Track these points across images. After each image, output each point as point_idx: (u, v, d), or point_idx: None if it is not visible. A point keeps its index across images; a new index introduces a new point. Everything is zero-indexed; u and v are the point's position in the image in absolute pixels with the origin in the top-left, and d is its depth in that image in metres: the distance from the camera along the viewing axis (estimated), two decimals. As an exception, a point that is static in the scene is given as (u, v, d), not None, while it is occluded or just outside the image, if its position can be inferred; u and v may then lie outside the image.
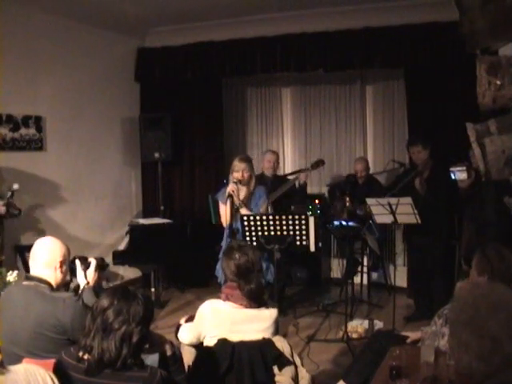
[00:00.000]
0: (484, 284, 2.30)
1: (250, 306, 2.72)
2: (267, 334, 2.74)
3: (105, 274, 3.06)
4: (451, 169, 4.16)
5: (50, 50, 5.41)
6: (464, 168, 4.07)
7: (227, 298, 2.74)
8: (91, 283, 2.78)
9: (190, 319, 2.89)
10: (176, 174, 6.74)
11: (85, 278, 2.77)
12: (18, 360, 2.16)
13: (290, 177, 5.60)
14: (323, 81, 6.59)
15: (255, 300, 2.75)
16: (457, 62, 4.97)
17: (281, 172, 6.27)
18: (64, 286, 2.73)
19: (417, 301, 5.15)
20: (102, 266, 2.90)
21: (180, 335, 2.83)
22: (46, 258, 2.56)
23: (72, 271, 2.75)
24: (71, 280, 2.83)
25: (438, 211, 4.78)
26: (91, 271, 2.80)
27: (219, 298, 2.80)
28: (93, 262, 2.83)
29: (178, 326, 2.92)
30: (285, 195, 5.14)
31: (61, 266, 2.59)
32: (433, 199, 4.77)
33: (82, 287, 2.75)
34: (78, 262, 2.79)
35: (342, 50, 5.66)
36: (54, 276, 2.57)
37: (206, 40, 6.19)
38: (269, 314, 2.77)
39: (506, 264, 2.59)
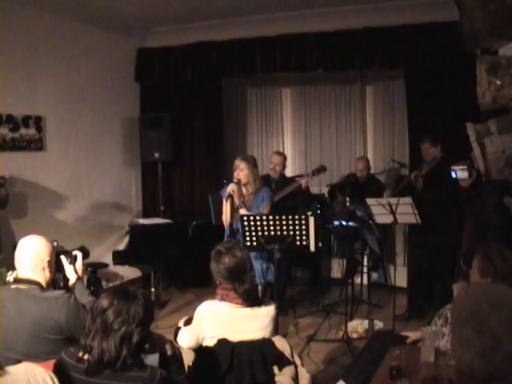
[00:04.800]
0: (485, 283, 2.31)
1: (247, 304, 2.72)
2: (266, 333, 2.73)
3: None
4: (452, 167, 4.15)
5: (49, 49, 5.40)
6: (465, 167, 4.06)
7: (223, 299, 2.73)
8: (82, 276, 2.78)
9: (189, 321, 2.88)
10: (176, 173, 6.74)
11: (75, 272, 2.76)
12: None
13: (297, 178, 5.54)
14: (323, 81, 6.59)
15: (252, 299, 2.74)
16: (457, 62, 4.97)
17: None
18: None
19: (412, 300, 5.14)
20: (86, 254, 2.89)
21: (179, 340, 2.82)
22: (33, 259, 2.51)
23: (57, 267, 2.71)
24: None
25: (441, 209, 4.77)
26: (80, 264, 2.80)
27: (215, 298, 2.79)
28: (79, 254, 2.81)
29: (177, 330, 2.91)
30: (289, 196, 5.14)
31: (49, 266, 2.56)
32: (431, 195, 4.76)
33: (72, 282, 2.74)
34: (63, 258, 2.76)
35: (342, 50, 5.66)
36: (42, 276, 2.53)
37: (205, 40, 6.19)
38: (266, 312, 2.77)
39: (509, 264, 2.58)
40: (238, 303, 2.71)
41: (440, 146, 4.85)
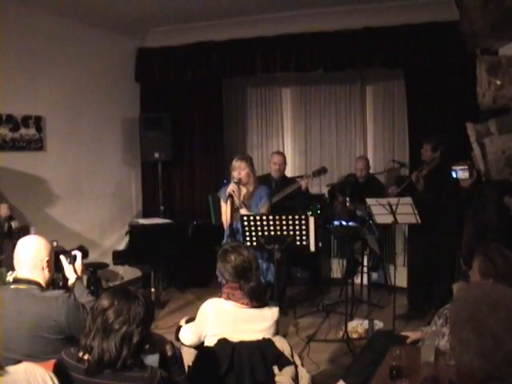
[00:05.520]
0: (485, 283, 2.30)
1: (252, 305, 2.72)
2: (268, 334, 2.74)
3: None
4: (453, 167, 4.15)
5: (49, 49, 5.40)
6: (466, 167, 4.06)
7: (228, 297, 2.74)
8: (81, 276, 2.78)
9: (191, 320, 2.89)
10: (176, 173, 6.74)
11: (74, 272, 2.76)
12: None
13: (297, 179, 5.54)
14: (323, 81, 6.59)
15: (257, 298, 2.74)
16: (457, 62, 4.97)
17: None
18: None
19: (411, 300, 5.16)
20: (85, 254, 2.89)
21: (181, 336, 2.83)
22: (32, 259, 2.52)
23: (56, 267, 2.71)
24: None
25: (441, 209, 4.78)
26: (79, 264, 2.80)
27: (219, 297, 2.80)
28: (78, 254, 2.81)
29: (178, 328, 2.92)
30: (288, 197, 5.13)
31: (48, 266, 2.56)
32: (431, 196, 4.77)
33: (71, 281, 2.74)
34: (62, 257, 2.76)
35: (342, 50, 5.66)
36: (42, 276, 2.53)
37: (205, 40, 6.19)
38: (270, 314, 2.77)
39: (510, 265, 2.58)
40: (243, 303, 2.71)
41: (439, 152, 4.87)
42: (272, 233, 3.98)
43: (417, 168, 5.02)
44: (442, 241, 4.85)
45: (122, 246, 5.97)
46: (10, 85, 4.92)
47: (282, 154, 5.75)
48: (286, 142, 6.94)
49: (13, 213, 4.60)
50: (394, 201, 4.46)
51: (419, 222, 4.44)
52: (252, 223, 4.00)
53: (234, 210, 4.16)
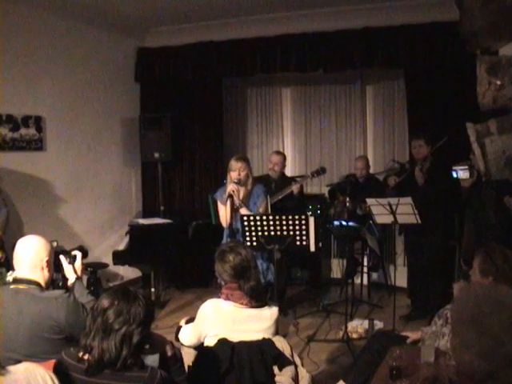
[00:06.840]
0: (486, 284, 2.31)
1: (251, 305, 2.72)
2: (268, 334, 2.74)
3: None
4: (454, 167, 4.16)
5: (49, 49, 5.40)
6: (466, 167, 4.07)
7: (228, 298, 2.74)
8: (81, 275, 2.78)
9: (191, 321, 2.89)
10: (176, 174, 6.73)
11: (74, 272, 2.76)
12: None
13: (297, 179, 5.54)
14: (323, 81, 6.59)
15: (257, 297, 2.74)
16: (457, 62, 4.97)
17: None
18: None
19: (413, 300, 5.18)
20: (84, 254, 2.89)
21: (181, 337, 2.83)
22: (32, 258, 2.51)
23: (56, 267, 2.70)
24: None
25: (437, 207, 4.78)
26: (79, 264, 2.80)
27: (219, 297, 2.79)
28: (78, 254, 2.81)
29: (178, 328, 2.92)
30: (286, 197, 5.13)
31: (48, 266, 2.55)
32: (431, 191, 4.77)
33: (71, 281, 2.74)
34: (62, 257, 2.76)
35: (342, 50, 5.66)
36: (41, 276, 2.53)
37: (206, 40, 6.19)
38: (270, 314, 2.77)
39: (510, 264, 2.59)
40: (242, 303, 2.71)
41: (430, 147, 4.88)
42: (272, 233, 3.99)
43: (415, 165, 5.01)
44: (432, 240, 4.86)
45: (122, 246, 5.97)
46: (9, 85, 4.92)
47: (281, 154, 5.73)
48: (286, 141, 6.94)
49: (7, 236, 4.44)
50: (394, 201, 4.47)
51: (419, 222, 4.45)
52: (252, 223, 4.00)
53: (234, 209, 4.16)
